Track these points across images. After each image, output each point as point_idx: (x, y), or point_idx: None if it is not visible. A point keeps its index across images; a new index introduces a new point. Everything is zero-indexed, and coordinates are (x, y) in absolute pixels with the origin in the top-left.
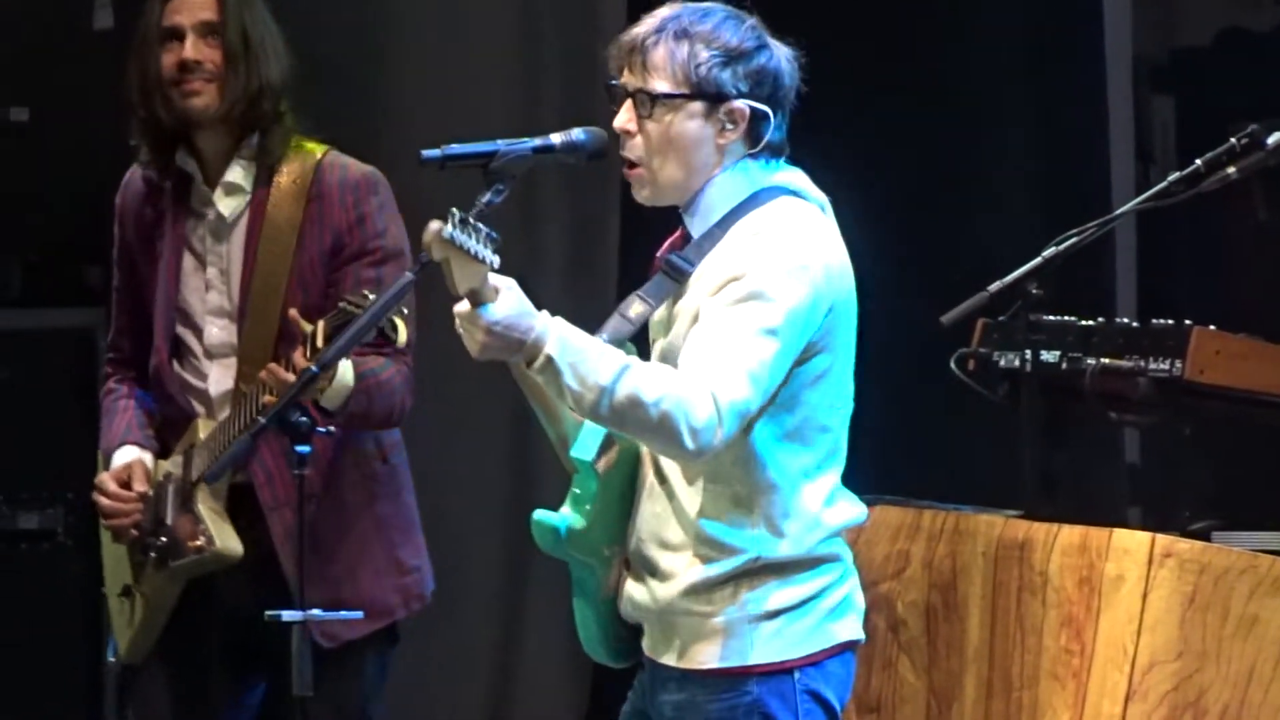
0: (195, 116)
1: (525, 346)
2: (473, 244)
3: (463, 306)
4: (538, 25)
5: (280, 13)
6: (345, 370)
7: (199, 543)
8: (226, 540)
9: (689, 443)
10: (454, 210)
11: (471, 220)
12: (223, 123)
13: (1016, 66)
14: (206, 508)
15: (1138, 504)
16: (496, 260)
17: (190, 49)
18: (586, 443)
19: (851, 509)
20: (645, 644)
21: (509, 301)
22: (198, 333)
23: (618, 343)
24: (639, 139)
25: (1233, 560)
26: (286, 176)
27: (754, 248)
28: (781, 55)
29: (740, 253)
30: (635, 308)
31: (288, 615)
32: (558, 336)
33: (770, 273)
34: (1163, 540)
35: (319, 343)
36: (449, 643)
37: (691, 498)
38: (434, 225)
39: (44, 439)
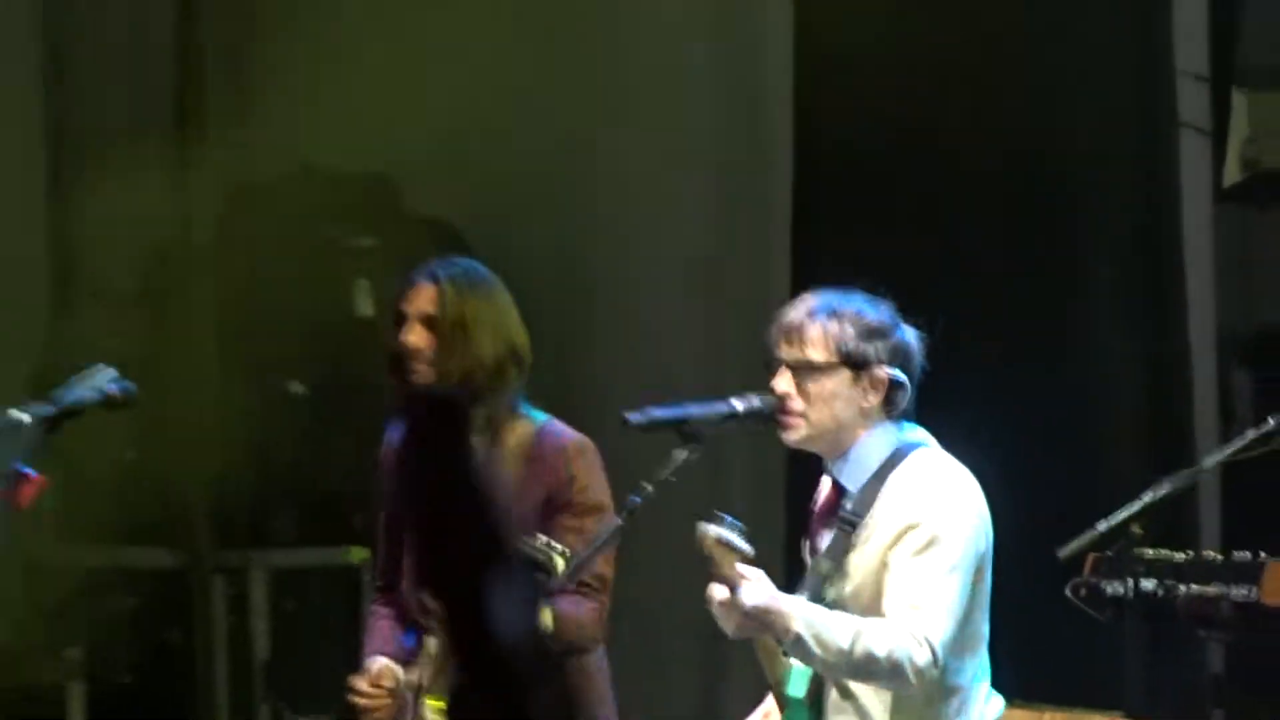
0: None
1: (775, 627)
2: (737, 541)
3: (720, 594)
4: (719, 302)
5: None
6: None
7: None
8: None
9: (914, 680)
10: (722, 515)
11: (729, 518)
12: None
13: (1116, 336)
14: (431, 709)
15: (1221, 707)
16: (753, 551)
17: (411, 336)
18: (798, 682)
19: (998, 703)
20: None
21: (760, 589)
22: None
23: (812, 592)
24: (797, 401)
25: None
26: (511, 438)
27: (920, 497)
28: (911, 334)
29: (907, 503)
30: (823, 566)
31: None
32: (801, 616)
33: (942, 517)
34: None
35: None
36: None
37: (881, 711)
38: (709, 530)
39: (320, 660)
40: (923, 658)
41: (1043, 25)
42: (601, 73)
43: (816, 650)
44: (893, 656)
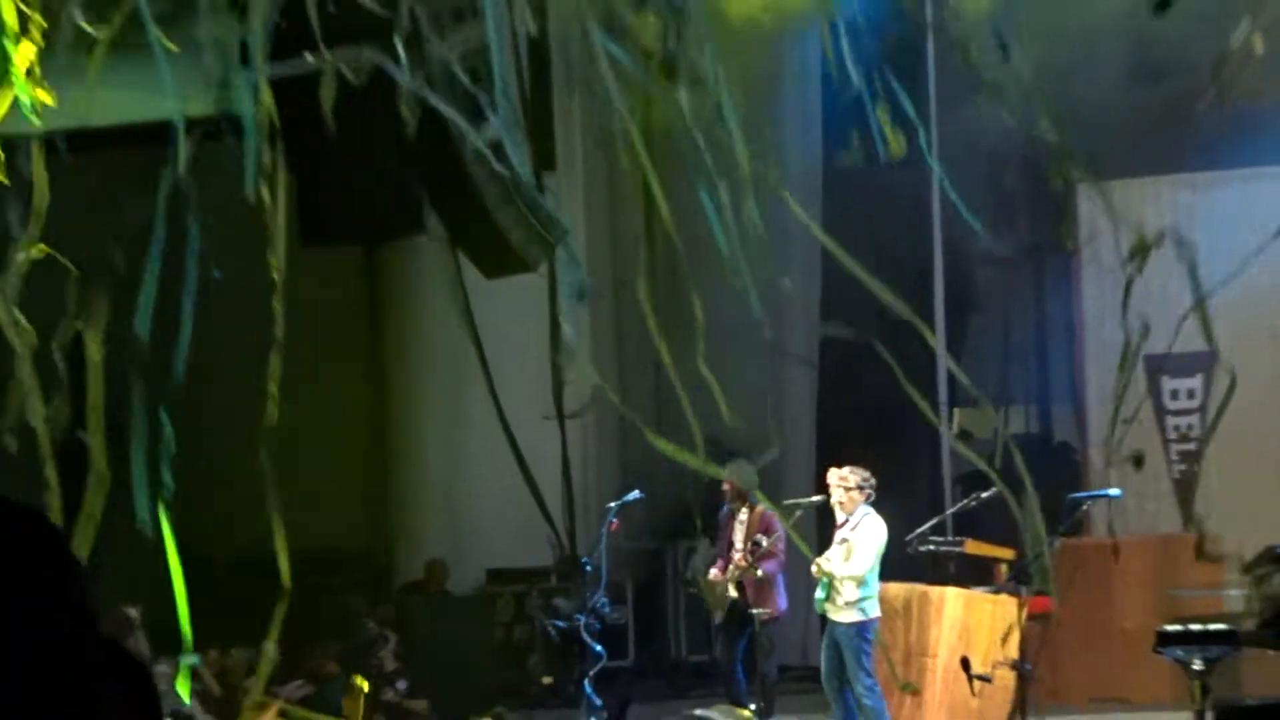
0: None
1: (825, 571)
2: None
3: (815, 566)
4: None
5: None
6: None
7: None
8: (728, 592)
9: (864, 574)
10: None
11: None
12: (736, 499)
13: (934, 470)
14: (732, 581)
15: (953, 583)
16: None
17: (725, 485)
18: (824, 583)
19: (879, 585)
20: (830, 613)
21: (826, 561)
22: (733, 547)
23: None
24: (841, 500)
25: (983, 596)
26: (755, 509)
27: (869, 527)
28: (871, 480)
29: (866, 529)
30: (841, 549)
31: (754, 611)
32: (824, 563)
33: (875, 533)
34: (963, 590)
35: (746, 554)
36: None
37: (847, 583)
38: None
39: (698, 568)
40: (861, 570)
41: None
42: None
43: (837, 570)
44: (861, 572)
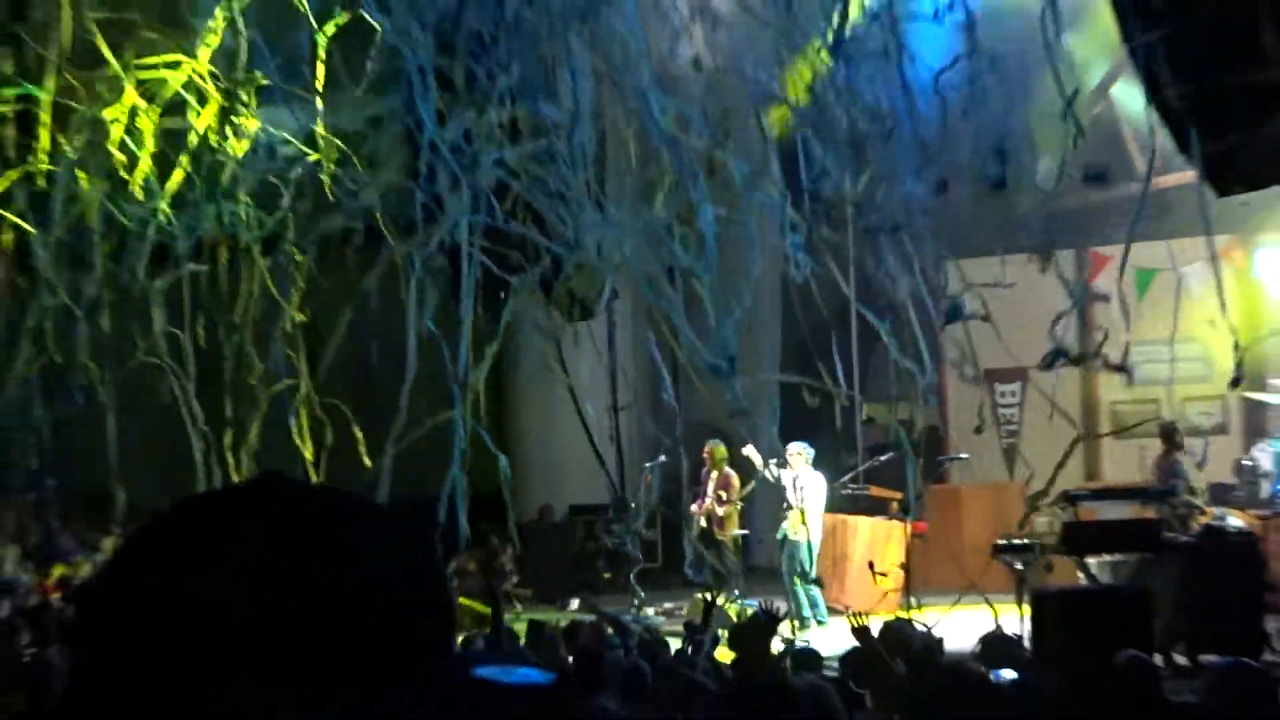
0: None
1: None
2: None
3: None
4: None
5: None
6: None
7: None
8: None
9: (819, 510)
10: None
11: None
12: (712, 464)
13: (849, 445)
14: (704, 515)
15: (863, 513)
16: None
17: (704, 455)
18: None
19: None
20: (790, 534)
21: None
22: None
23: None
24: (789, 462)
25: (882, 523)
26: (722, 470)
27: (815, 477)
28: (810, 450)
29: (813, 479)
30: (800, 486)
31: (718, 537)
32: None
33: (819, 481)
34: (870, 518)
35: (713, 501)
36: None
37: (808, 514)
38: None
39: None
40: (813, 507)
41: None
42: None
43: (809, 507)
44: (811, 505)
